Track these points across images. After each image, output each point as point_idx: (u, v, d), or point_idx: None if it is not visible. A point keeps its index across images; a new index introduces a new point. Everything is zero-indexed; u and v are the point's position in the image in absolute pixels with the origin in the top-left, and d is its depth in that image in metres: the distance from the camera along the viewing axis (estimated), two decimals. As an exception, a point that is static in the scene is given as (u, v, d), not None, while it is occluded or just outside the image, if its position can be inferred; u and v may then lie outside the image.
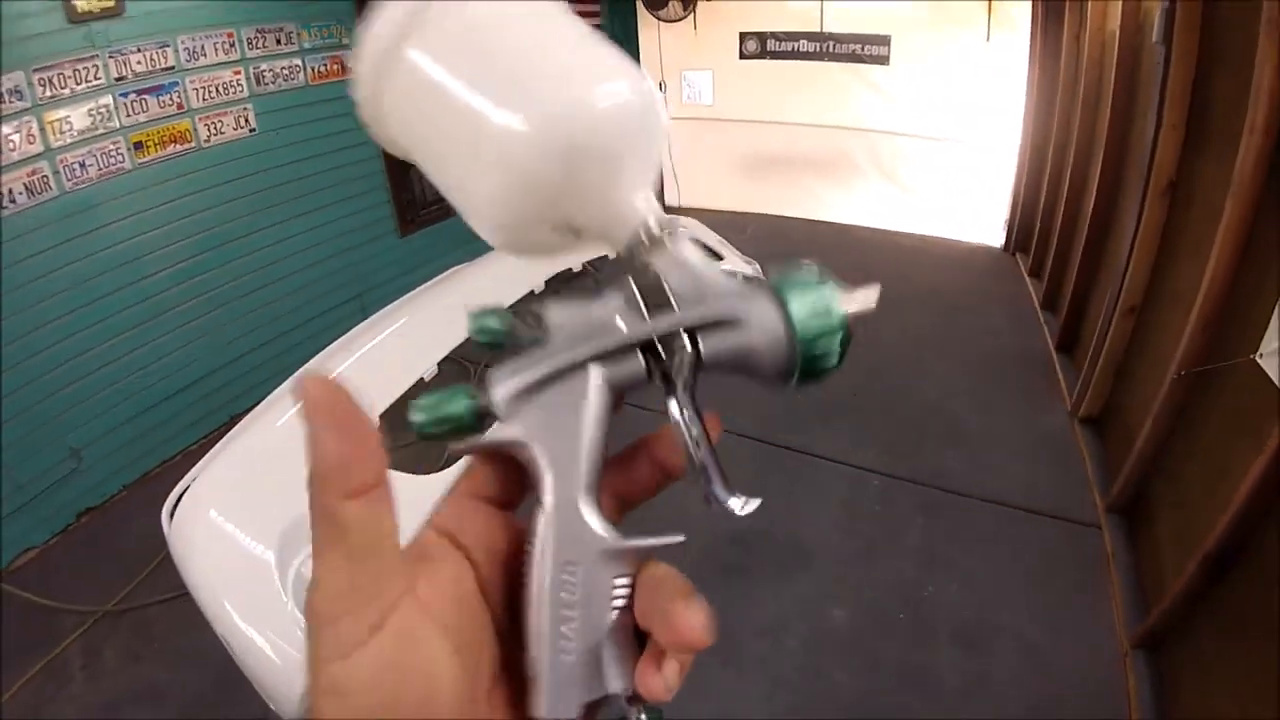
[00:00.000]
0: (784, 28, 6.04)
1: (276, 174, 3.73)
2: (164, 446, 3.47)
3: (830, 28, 5.80)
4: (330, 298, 4.18)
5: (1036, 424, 3.60)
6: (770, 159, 6.81)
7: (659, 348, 0.29)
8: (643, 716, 0.27)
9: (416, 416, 0.28)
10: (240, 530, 1.65)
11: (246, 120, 3.50)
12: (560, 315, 0.29)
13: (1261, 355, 1.87)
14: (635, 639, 0.28)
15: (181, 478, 1.87)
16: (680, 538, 0.28)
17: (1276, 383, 1.78)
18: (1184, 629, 2.06)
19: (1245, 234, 2.05)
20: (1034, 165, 5.07)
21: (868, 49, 5.71)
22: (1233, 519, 1.85)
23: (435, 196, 4.77)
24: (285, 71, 3.66)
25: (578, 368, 0.28)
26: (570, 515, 0.28)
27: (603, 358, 0.29)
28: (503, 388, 0.28)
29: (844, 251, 6.05)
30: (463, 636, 0.27)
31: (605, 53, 0.31)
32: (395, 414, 1.76)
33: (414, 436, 0.28)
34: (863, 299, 0.29)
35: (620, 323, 0.29)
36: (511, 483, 0.31)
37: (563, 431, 0.28)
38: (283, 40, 3.61)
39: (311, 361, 2.12)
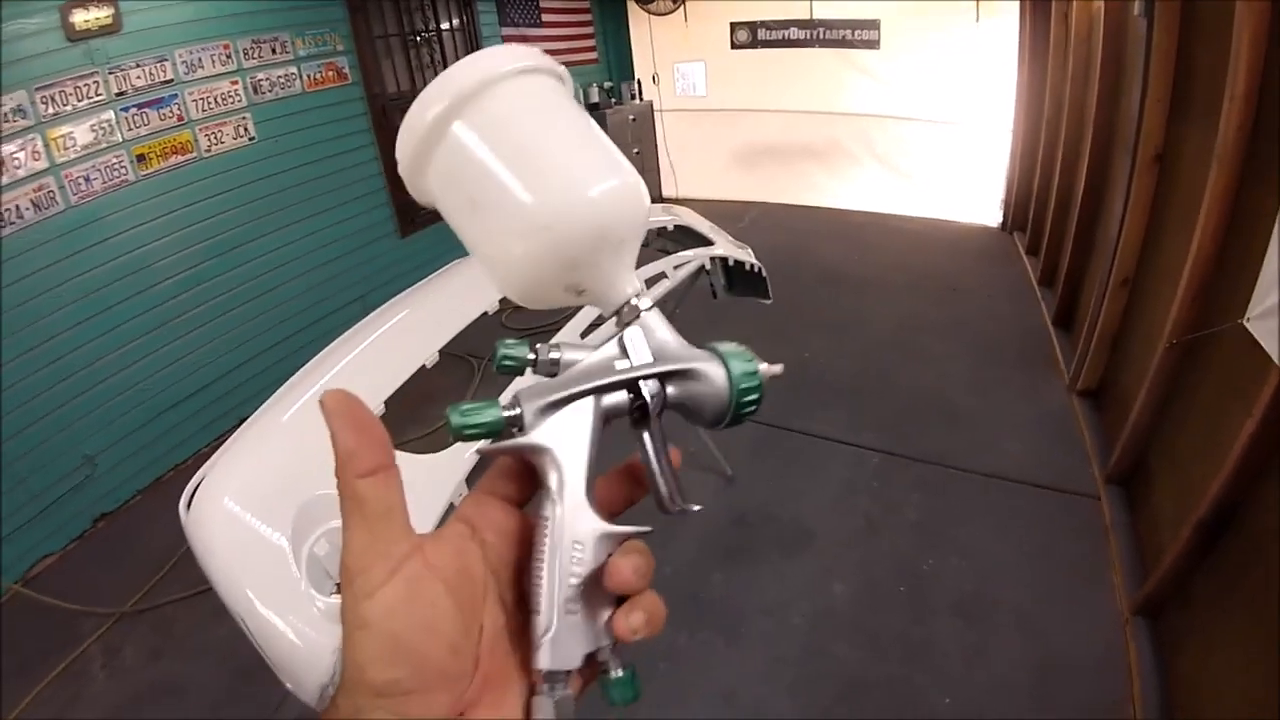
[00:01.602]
0: (774, 16, 6.08)
1: (277, 180, 3.80)
2: (176, 451, 3.54)
3: (820, 14, 5.84)
4: (334, 299, 4.25)
5: (1035, 399, 3.62)
6: (765, 148, 6.84)
7: (640, 387, 0.37)
8: (619, 671, 0.35)
9: (455, 420, 0.35)
10: (254, 516, 1.67)
11: (245, 129, 3.56)
12: (571, 355, 0.38)
13: (1249, 319, 1.89)
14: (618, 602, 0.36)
15: (189, 481, 1.94)
16: (648, 529, 0.36)
17: (1263, 345, 1.81)
18: (1182, 595, 2.09)
19: (1230, 201, 2.07)
20: (1027, 144, 5.08)
21: (858, 34, 5.74)
22: (1225, 484, 1.88)
23: None
24: (282, 80, 3.72)
25: (585, 395, 0.37)
26: (578, 505, 0.35)
27: (601, 390, 0.37)
28: (531, 405, 0.36)
29: (842, 236, 6.07)
30: (461, 593, 0.33)
31: (613, 149, 0.39)
32: (400, 397, 1.81)
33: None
34: (772, 369, 0.39)
35: (617, 366, 0.38)
36: (522, 485, 0.39)
37: (573, 442, 0.36)
38: (278, 49, 3.67)
39: (321, 353, 2.19)
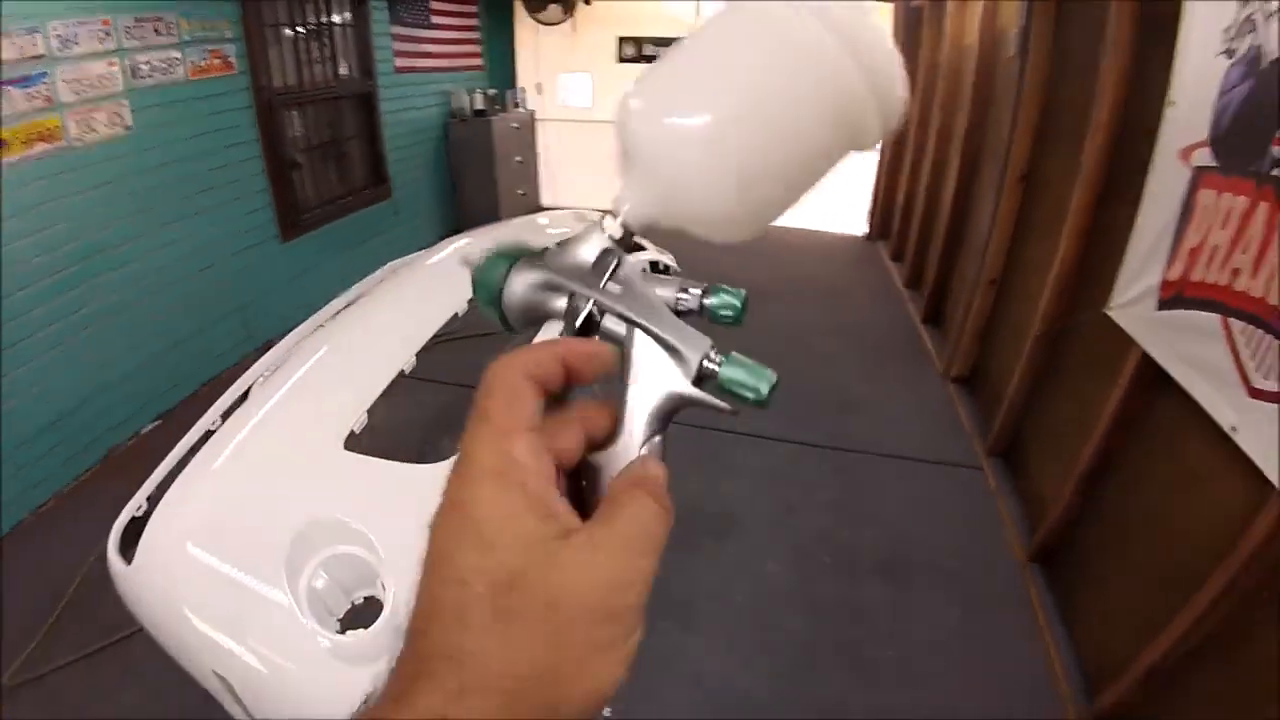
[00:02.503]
0: (662, 33, 6.33)
1: (154, 176, 3.40)
2: (32, 493, 2.97)
3: (706, 33, 6.14)
4: (210, 311, 3.86)
5: (916, 388, 4.09)
6: (646, 161, 7.07)
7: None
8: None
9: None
10: (230, 558, 1.45)
11: (121, 117, 3.18)
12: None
13: (1111, 309, 2.31)
14: None
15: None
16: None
17: (1126, 329, 2.21)
18: (1070, 540, 2.49)
19: (1090, 214, 2.52)
20: (892, 163, 5.70)
21: (741, 55, 6.10)
22: (1099, 443, 2.29)
23: (319, 199, 4.65)
24: (164, 65, 3.35)
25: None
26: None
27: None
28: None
29: (725, 247, 6.42)
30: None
31: None
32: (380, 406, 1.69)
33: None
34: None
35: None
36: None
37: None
38: (162, 30, 3.30)
39: (266, 360, 2.01)
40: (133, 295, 3.39)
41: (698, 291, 0.40)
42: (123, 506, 1.68)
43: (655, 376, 0.35)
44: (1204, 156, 1.87)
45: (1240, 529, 1.55)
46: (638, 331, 0.36)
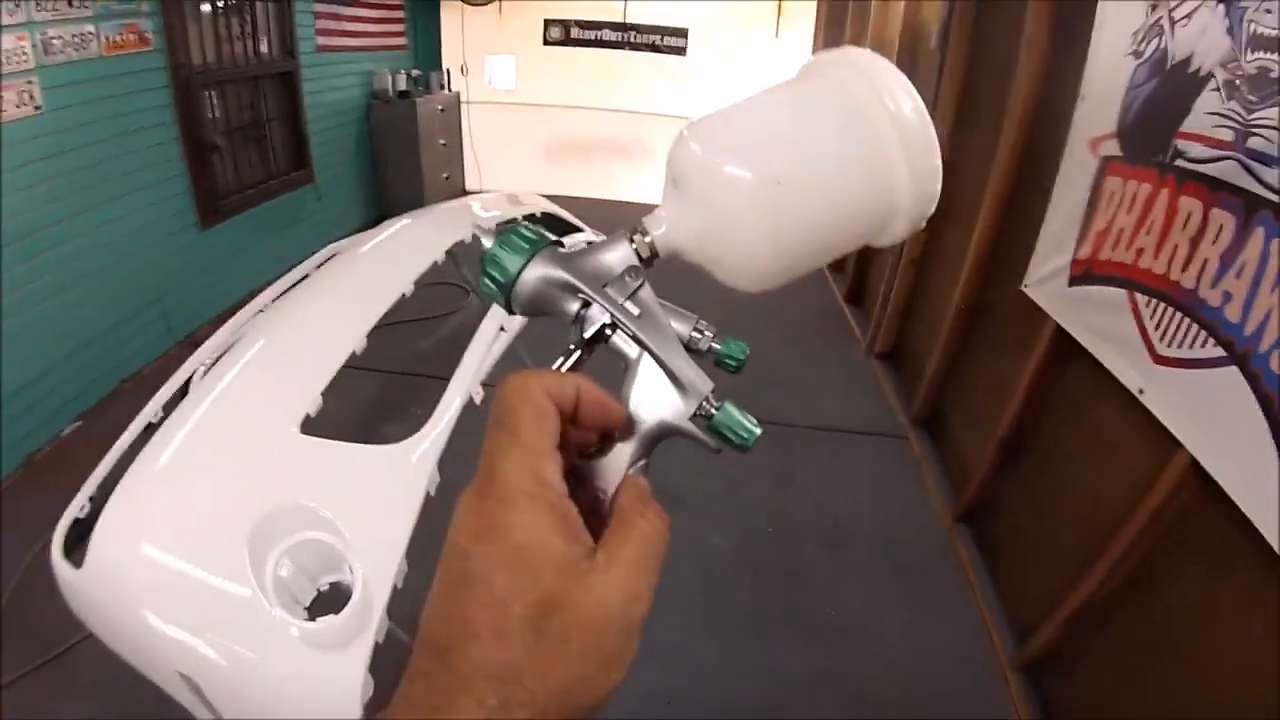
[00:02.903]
0: (588, 17, 6.31)
1: (67, 160, 3.15)
2: None
3: (633, 18, 6.19)
4: (127, 303, 3.61)
5: (841, 364, 4.30)
6: (571, 143, 7.05)
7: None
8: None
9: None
10: (189, 555, 1.39)
11: (32, 96, 2.90)
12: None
13: (1027, 286, 2.50)
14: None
15: None
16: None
17: (1040, 305, 2.41)
18: (992, 501, 2.70)
19: (1006, 199, 2.71)
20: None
21: (667, 40, 6.20)
22: (1017, 409, 2.49)
23: (240, 183, 4.47)
24: (77, 40, 3.08)
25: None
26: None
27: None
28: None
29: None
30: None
31: None
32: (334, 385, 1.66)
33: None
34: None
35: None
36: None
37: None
38: (75, 2, 3.03)
39: (207, 349, 1.89)
40: (44, 289, 3.13)
41: (710, 335, 0.41)
42: (53, 513, 1.58)
43: (655, 404, 0.37)
44: (1112, 147, 2.05)
45: (1148, 482, 1.74)
46: (646, 356, 0.37)
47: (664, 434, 0.37)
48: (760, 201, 0.37)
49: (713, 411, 0.37)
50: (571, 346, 0.38)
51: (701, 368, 0.39)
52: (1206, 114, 1.63)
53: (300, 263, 2.44)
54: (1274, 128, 1.42)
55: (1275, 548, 1.32)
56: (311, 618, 1.33)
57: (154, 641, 1.32)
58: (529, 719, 0.28)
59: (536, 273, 0.38)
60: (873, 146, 0.37)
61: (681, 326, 0.41)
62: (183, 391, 1.79)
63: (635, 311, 0.38)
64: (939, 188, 0.37)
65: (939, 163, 0.36)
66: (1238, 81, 1.54)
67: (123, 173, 3.48)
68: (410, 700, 0.29)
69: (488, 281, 0.39)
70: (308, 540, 1.39)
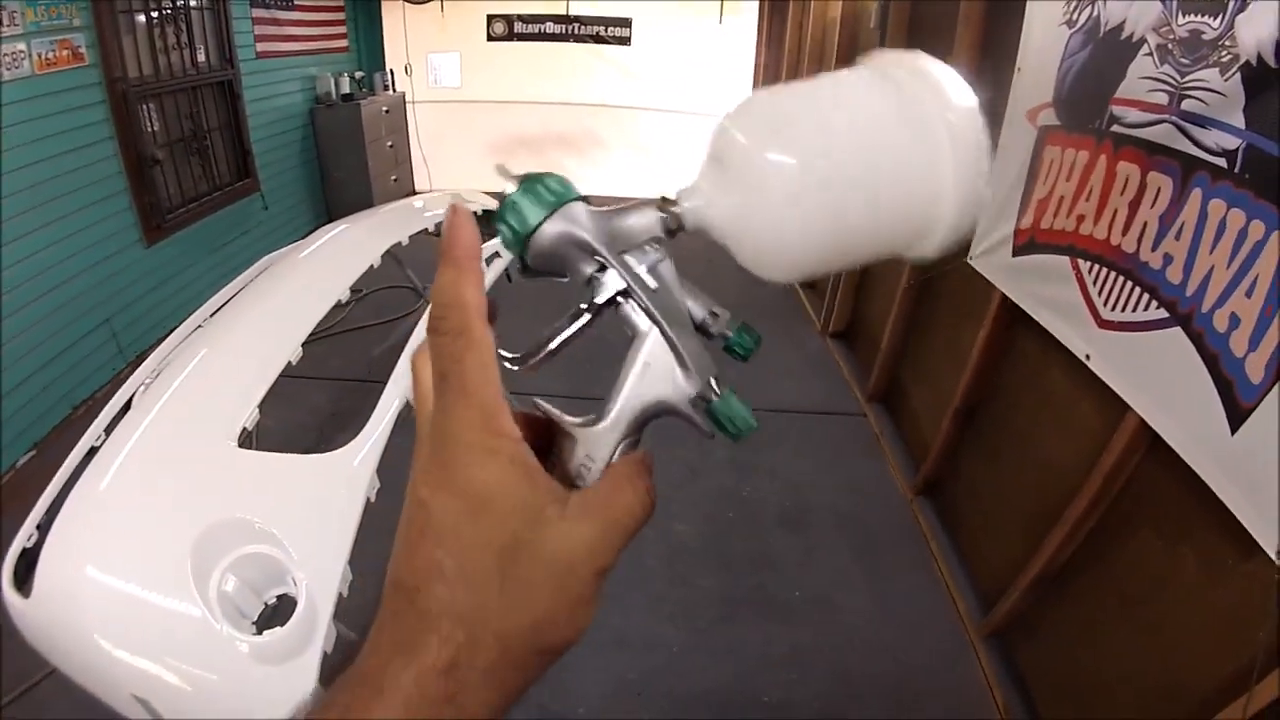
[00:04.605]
0: (531, 10, 6.26)
1: (5, 183, 3.00)
2: None
3: (575, 10, 6.15)
4: (75, 327, 3.47)
5: (797, 345, 4.32)
6: (520, 138, 7.00)
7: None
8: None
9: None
10: (133, 576, 1.41)
11: None
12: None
13: (972, 258, 2.53)
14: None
15: None
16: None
17: (985, 275, 2.43)
18: (951, 472, 2.74)
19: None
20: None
21: (611, 30, 6.17)
22: (970, 380, 2.52)
23: (184, 196, 4.35)
24: (9, 59, 2.95)
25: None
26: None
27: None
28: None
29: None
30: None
31: None
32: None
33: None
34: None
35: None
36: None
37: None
38: (6, 20, 2.89)
39: (143, 372, 1.84)
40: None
41: (723, 322, 0.41)
42: (7, 544, 1.55)
43: (657, 379, 0.37)
44: (1049, 116, 2.07)
45: (1101, 445, 1.77)
46: (655, 331, 0.37)
47: (660, 411, 0.37)
48: (800, 194, 0.36)
49: (714, 398, 0.36)
50: (582, 307, 0.37)
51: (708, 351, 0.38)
52: (1140, 79, 1.65)
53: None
54: (1207, 89, 1.44)
55: (1227, 503, 1.35)
56: (260, 631, 1.36)
57: (105, 665, 1.33)
58: (495, 658, 0.29)
59: (557, 228, 0.36)
60: (925, 155, 0.35)
61: (696, 307, 0.40)
62: (125, 411, 1.77)
63: (653, 285, 0.38)
64: (979, 214, 0.36)
65: (987, 189, 0.35)
66: (1170, 45, 1.56)
67: (63, 192, 3.35)
68: (378, 644, 0.30)
69: (504, 229, 0.37)
70: (249, 554, 1.42)
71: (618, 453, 0.36)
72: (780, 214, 0.36)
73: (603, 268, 0.37)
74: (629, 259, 0.38)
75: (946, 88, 0.36)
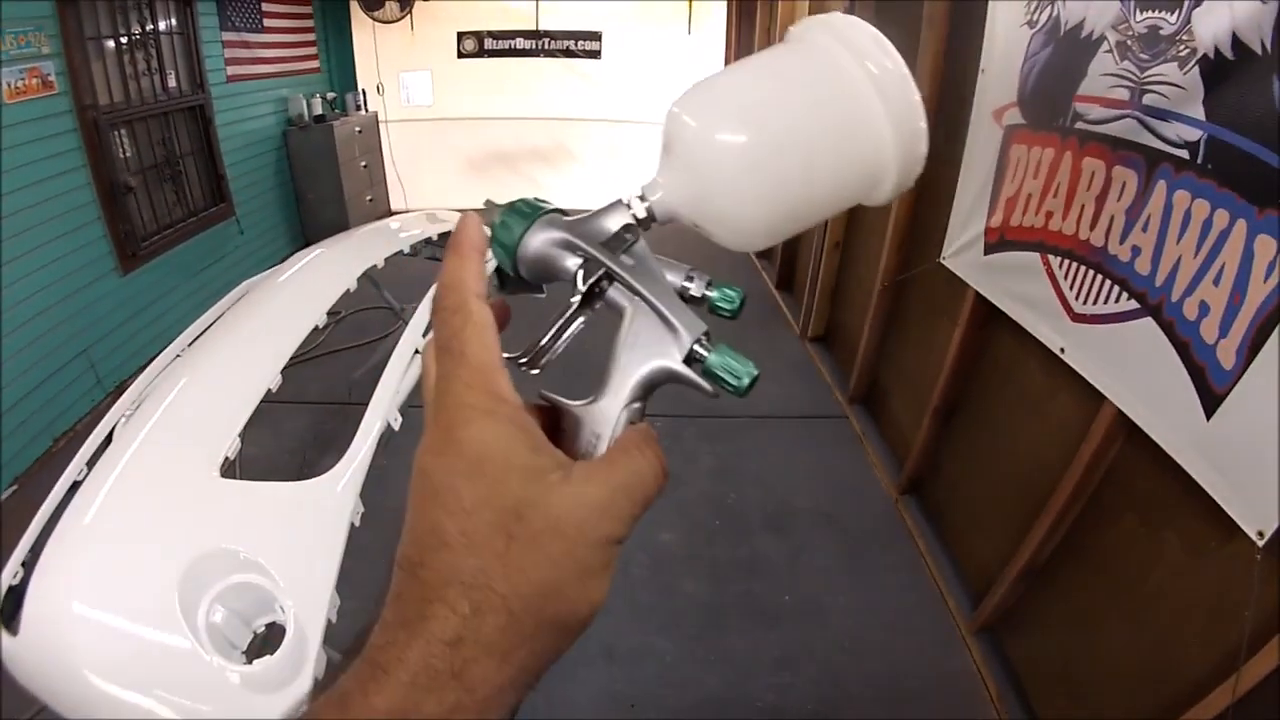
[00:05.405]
0: (500, 27, 6.27)
1: None
2: None
3: (545, 25, 6.17)
4: (53, 358, 3.40)
5: (777, 350, 4.33)
6: (494, 154, 7.01)
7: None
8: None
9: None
10: (123, 610, 1.41)
11: None
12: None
13: (945, 259, 2.57)
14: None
15: None
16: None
17: (959, 274, 2.47)
18: (934, 470, 2.76)
19: (920, 176, 2.77)
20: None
21: (581, 44, 6.22)
22: (947, 379, 2.55)
23: (158, 223, 4.28)
24: None
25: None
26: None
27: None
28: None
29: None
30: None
31: None
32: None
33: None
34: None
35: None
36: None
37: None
38: None
39: (123, 403, 1.81)
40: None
41: (703, 282, 0.43)
42: None
43: (649, 348, 0.38)
44: (1014, 116, 2.12)
45: (1080, 436, 1.79)
46: (640, 302, 0.38)
47: (658, 379, 0.38)
48: (744, 165, 0.38)
49: (706, 354, 0.37)
50: (572, 302, 0.39)
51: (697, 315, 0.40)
52: (1102, 75, 1.69)
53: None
54: (1167, 83, 1.48)
55: (1206, 487, 1.37)
56: (251, 661, 1.37)
57: (96, 701, 1.32)
58: (503, 625, 0.28)
59: (539, 236, 0.40)
60: (855, 108, 0.37)
61: (674, 276, 0.42)
62: (106, 444, 1.76)
63: (629, 263, 0.40)
64: (925, 149, 0.38)
65: (923, 124, 0.37)
66: (1129, 42, 1.60)
67: (36, 223, 3.29)
68: (385, 621, 0.29)
69: (498, 248, 0.41)
70: (236, 584, 1.42)
71: (622, 426, 0.37)
72: (738, 186, 0.38)
73: (585, 261, 0.39)
74: (607, 246, 0.40)
75: (864, 42, 0.38)
